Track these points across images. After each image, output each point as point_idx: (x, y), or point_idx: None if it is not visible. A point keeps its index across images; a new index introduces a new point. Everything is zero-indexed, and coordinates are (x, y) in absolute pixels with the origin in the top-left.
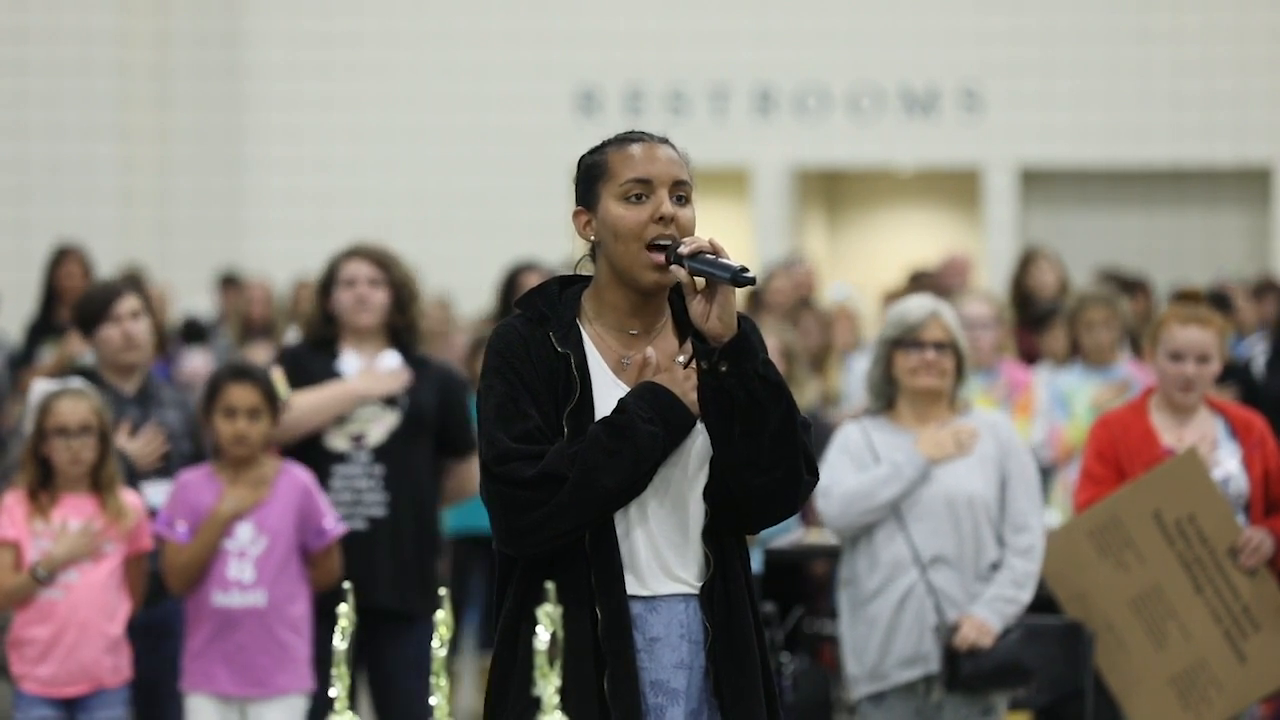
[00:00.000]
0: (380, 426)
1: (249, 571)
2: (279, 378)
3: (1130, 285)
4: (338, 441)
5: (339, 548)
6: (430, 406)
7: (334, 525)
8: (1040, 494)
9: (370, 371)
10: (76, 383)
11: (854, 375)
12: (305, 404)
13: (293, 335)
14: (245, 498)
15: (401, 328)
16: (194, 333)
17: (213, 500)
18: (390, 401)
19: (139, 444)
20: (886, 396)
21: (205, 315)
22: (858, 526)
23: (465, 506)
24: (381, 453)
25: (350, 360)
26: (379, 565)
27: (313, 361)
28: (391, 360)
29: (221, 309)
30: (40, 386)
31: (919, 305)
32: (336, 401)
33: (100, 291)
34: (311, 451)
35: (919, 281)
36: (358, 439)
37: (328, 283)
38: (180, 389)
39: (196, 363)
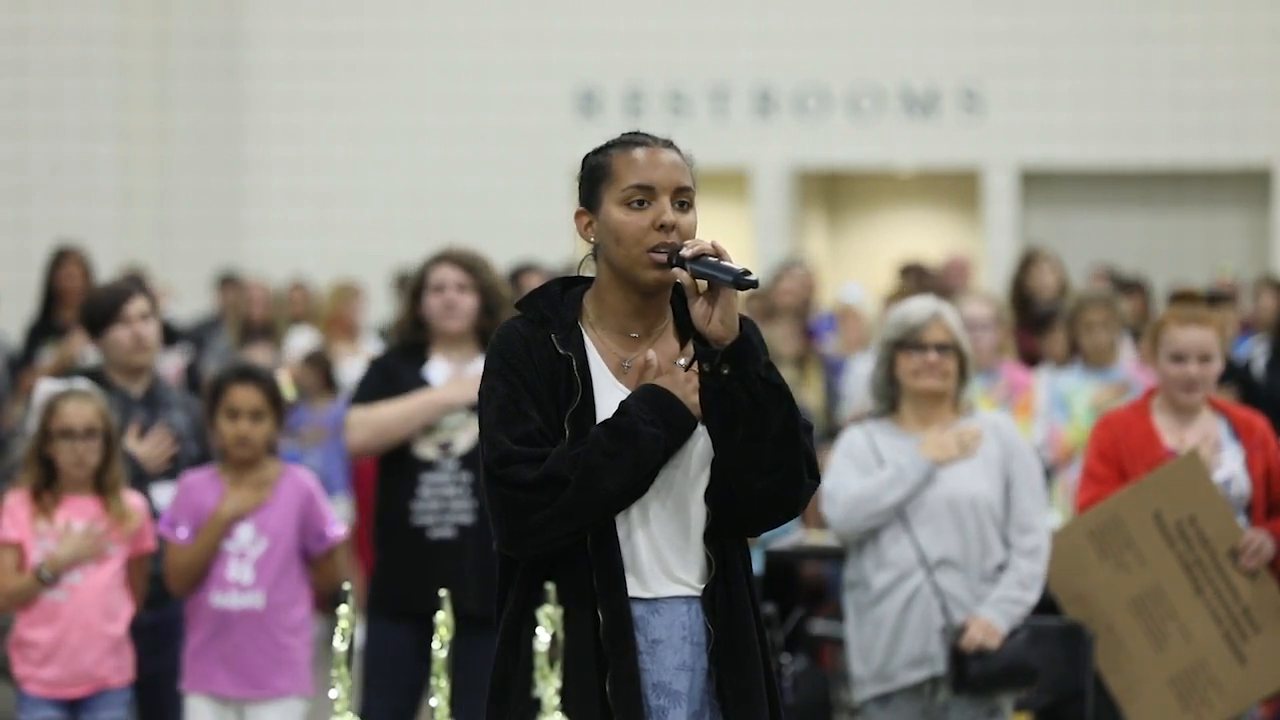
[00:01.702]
0: (467, 434)
1: (248, 573)
2: (285, 379)
3: (1127, 286)
4: (426, 450)
5: (340, 552)
6: None
7: (335, 530)
8: (1045, 495)
9: (457, 379)
10: (81, 384)
11: (854, 376)
12: (394, 413)
13: (307, 338)
14: (246, 499)
15: (490, 331)
16: (167, 337)
17: (215, 501)
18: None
19: (148, 446)
20: (889, 399)
21: (203, 316)
22: (863, 530)
23: None
24: (468, 460)
25: (438, 367)
26: (467, 571)
27: (403, 370)
28: (480, 365)
29: (220, 309)
30: (45, 387)
31: (921, 307)
32: (424, 410)
33: (109, 293)
34: (401, 460)
35: (912, 277)
36: (445, 446)
37: (418, 288)
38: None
39: (168, 365)
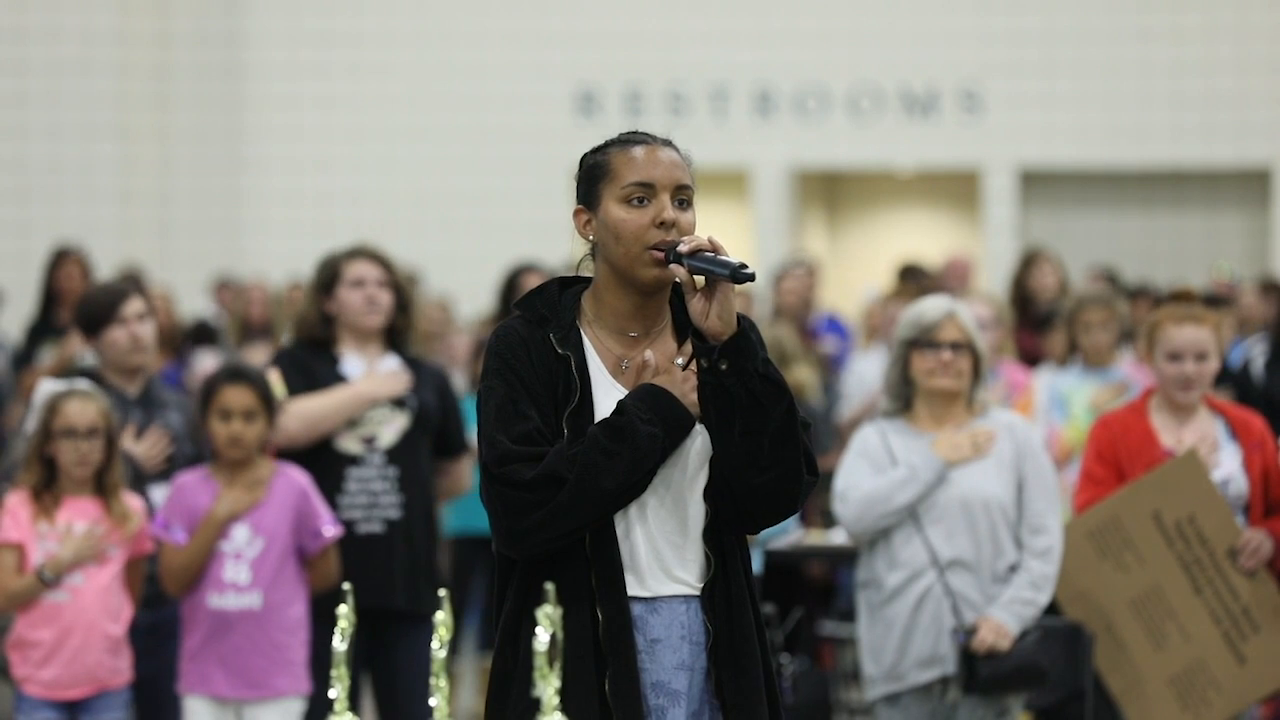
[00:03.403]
0: (391, 428)
1: (244, 573)
2: (276, 379)
3: (1134, 293)
4: (350, 444)
5: (336, 550)
6: (433, 407)
7: (331, 528)
8: (1058, 496)
9: (376, 373)
10: (83, 384)
11: (854, 376)
12: (316, 407)
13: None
14: (241, 500)
15: (401, 329)
16: (204, 335)
17: (209, 502)
18: (399, 403)
19: (145, 446)
20: (904, 398)
21: (207, 317)
22: (875, 530)
23: (465, 507)
24: (394, 454)
25: (354, 363)
26: (395, 566)
27: (316, 365)
28: (391, 363)
29: (217, 311)
30: (47, 387)
31: (935, 305)
32: (348, 404)
33: (105, 293)
34: (323, 455)
35: (911, 278)
36: (369, 441)
37: (329, 283)
38: (194, 393)
39: (208, 364)
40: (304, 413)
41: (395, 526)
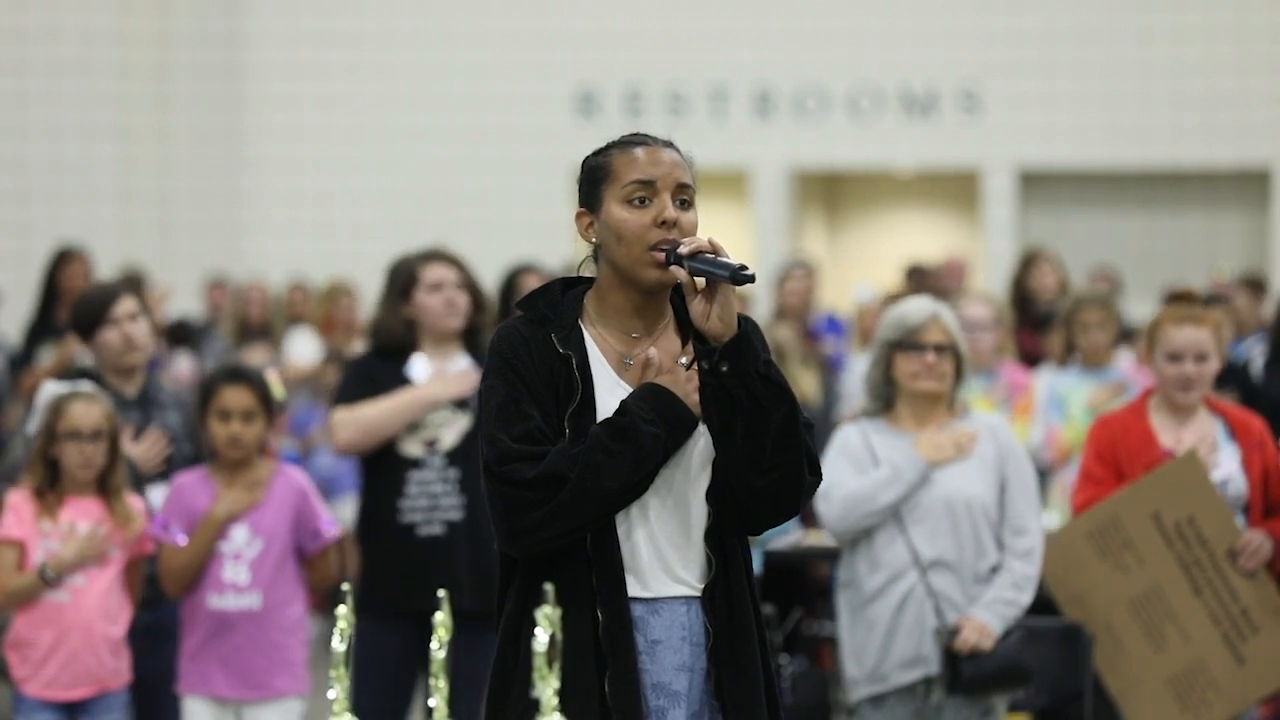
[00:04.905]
0: (452, 430)
1: (244, 574)
2: (275, 379)
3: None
4: (412, 448)
5: (335, 550)
6: None
7: (330, 528)
8: (1039, 497)
9: (440, 375)
10: (86, 386)
11: (853, 376)
12: (379, 411)
13: (306, 339)
14: (240, 500)
15: (477, 329)
16: (182, 336)
17: (208, 503)
18: (461, 404)
19: (143, 447)
20: (885, 398)
21: (196, 317)
22: (858, 530)
23: None
24: (455, 456)
25: (419, 365)
26: (459, 568)
27: (382, 369)
28: (461, 362)
29: (210, 311)
30: (50, 389)
31: (919, 307)
32: (409, 407)
33: (97, 294)
34: (386, 459)
35: (917, 278)
36: (431, 444)
37: (407, 287)
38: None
39: (182, 367)
40: (359, 420)
41: (456, 528)
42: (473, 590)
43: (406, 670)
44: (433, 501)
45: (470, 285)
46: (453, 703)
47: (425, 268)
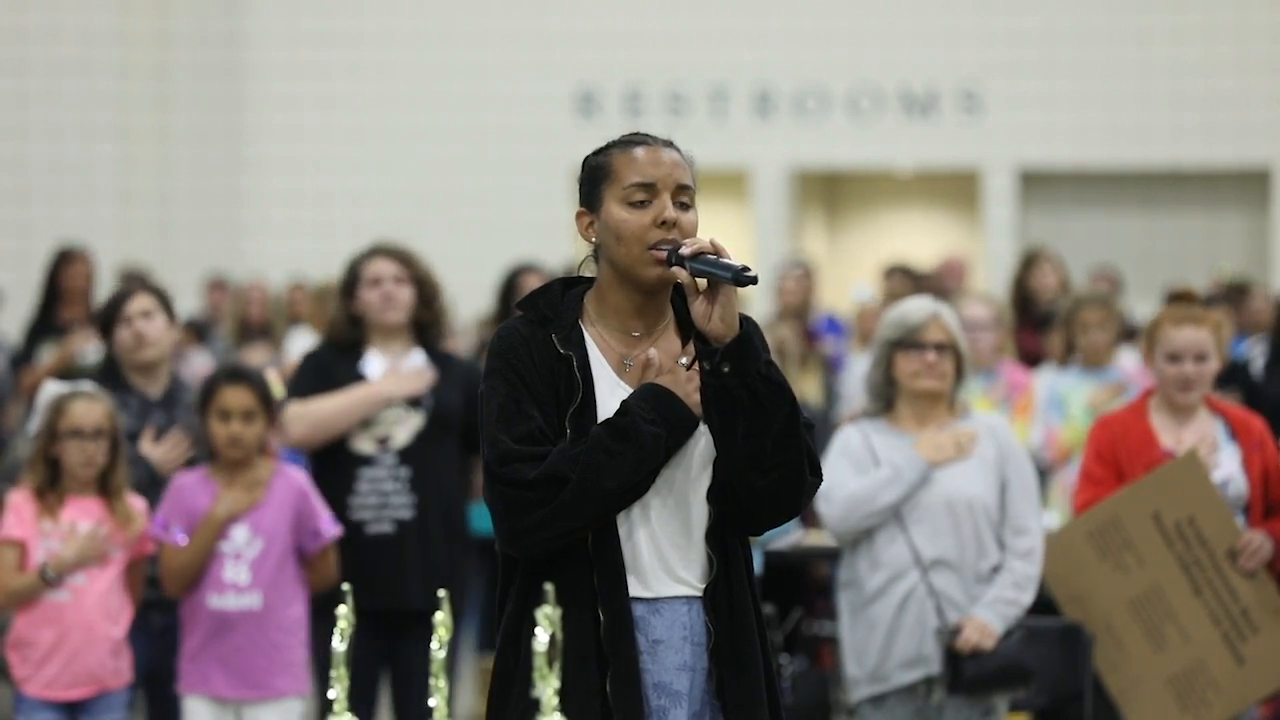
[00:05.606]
0: (405, 428)
1: (244, 574)
2: (275, 379)
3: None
4: (363, 444)
5: (335, 550)
6: (455, 405)
7: (330, 527)
8: (1039, 497)
9: (394, 372)
10: (87, 385)
11: (853, 376)
12: (332, 406)
13: (306, 339)
14: (240, 500)
15: (427, 324)
16: (195, 335)
17: (208, 503)
18: (414, 403)
19: (162, 450)
20: (886, 398)
21: (196, 317)
22: (859, 530)
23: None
24: (407, 455)
25: (374, 362)
26: (408, 567)
27: (336, 365)
28: (416, 359)
29: (210, 311)
30: (51, 388)
31: (919, 306)
32: (362, 404)
33: (113, 295)
34: (337, 455)
35: (897, 277)
36: (383, 441)
37: (351, 284)
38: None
39: (197, 365)
40: (310, 415)
41: (407, 527)
42: (421, 589)
43: (364, 668)
44: (383, 500)
45: (420, 279)
46: (403, 702)
47: (366, 264)
